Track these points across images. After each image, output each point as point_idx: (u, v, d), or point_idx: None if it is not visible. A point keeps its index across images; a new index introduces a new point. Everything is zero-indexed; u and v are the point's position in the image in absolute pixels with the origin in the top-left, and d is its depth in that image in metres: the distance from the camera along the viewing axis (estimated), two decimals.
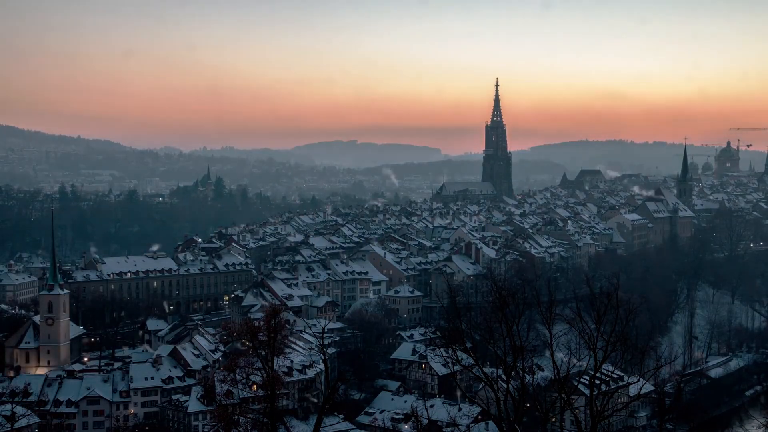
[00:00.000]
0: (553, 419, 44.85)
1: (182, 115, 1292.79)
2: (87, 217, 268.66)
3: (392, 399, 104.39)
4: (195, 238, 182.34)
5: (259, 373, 47.73)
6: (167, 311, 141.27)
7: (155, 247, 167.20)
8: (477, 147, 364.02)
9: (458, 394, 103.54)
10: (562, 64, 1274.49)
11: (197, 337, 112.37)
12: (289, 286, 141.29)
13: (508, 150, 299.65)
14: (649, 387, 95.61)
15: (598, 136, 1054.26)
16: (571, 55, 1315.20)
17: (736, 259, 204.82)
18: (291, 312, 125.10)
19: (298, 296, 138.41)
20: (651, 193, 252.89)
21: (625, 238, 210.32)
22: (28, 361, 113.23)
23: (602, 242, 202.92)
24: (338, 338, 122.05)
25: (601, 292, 33.33)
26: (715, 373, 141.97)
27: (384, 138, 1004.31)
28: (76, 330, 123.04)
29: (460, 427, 69.69)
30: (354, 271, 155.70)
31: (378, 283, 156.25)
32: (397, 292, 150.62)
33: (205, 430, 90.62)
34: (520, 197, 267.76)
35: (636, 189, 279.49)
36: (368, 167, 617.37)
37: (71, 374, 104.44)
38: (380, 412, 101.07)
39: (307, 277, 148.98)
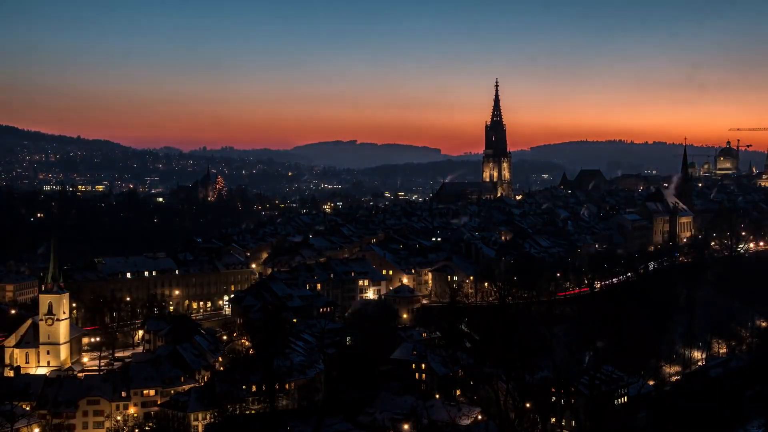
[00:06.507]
0: (553, 419, 44.86)
1: (182, 115, 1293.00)
2: (87, 217, 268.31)
3: (392, 399, 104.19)
4: (195, 238, 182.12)
5: (259, 373, 47.81)
6: (167, 311, 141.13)
7: (155, 248, 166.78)
8: (477, 147, 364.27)
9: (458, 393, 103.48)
10: (562, 64, 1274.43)
11: (197, 337, 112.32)
12: (289, 286, 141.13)
13: (508, 150, 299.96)
14: (649, 387, 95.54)
15: (598, 136, 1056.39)
16: (571, 55, 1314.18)
17: (736, 259, 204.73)
18: (291, 312, 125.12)
19: (298, 296, 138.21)
20: (651, 192, 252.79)
21: (625, 238, 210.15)
22: (28, 361, 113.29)
23: (602, 242, 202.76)
24: (338, 338, 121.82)
25: (601, 292, 33.33)
26: (715, 373, 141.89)
27: (384, 138, 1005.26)
28: (76, 330, 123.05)
29: (459, 427, 69.73)
30: (354, 271, 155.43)
31: (378, 283, 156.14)
32: (397, 292, 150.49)
33: (205, 430, 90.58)
34: (520, 197, 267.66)
35: (636, 189, 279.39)
36: (368, 167, 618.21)
37: (71, 374, 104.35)
38: (380, 412, 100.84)
39: (307, 277, 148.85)
